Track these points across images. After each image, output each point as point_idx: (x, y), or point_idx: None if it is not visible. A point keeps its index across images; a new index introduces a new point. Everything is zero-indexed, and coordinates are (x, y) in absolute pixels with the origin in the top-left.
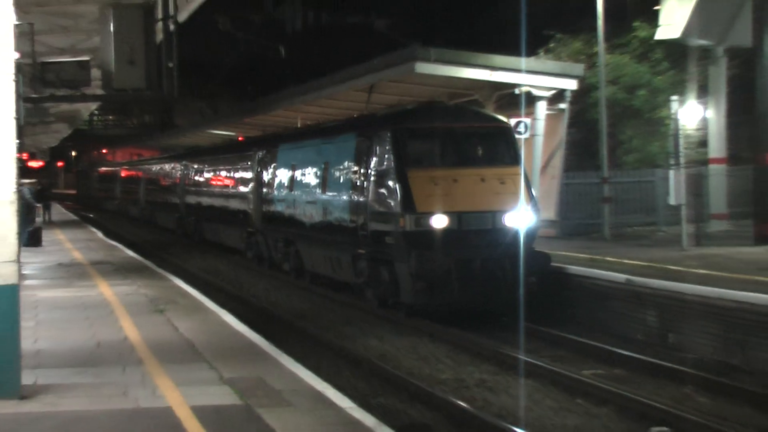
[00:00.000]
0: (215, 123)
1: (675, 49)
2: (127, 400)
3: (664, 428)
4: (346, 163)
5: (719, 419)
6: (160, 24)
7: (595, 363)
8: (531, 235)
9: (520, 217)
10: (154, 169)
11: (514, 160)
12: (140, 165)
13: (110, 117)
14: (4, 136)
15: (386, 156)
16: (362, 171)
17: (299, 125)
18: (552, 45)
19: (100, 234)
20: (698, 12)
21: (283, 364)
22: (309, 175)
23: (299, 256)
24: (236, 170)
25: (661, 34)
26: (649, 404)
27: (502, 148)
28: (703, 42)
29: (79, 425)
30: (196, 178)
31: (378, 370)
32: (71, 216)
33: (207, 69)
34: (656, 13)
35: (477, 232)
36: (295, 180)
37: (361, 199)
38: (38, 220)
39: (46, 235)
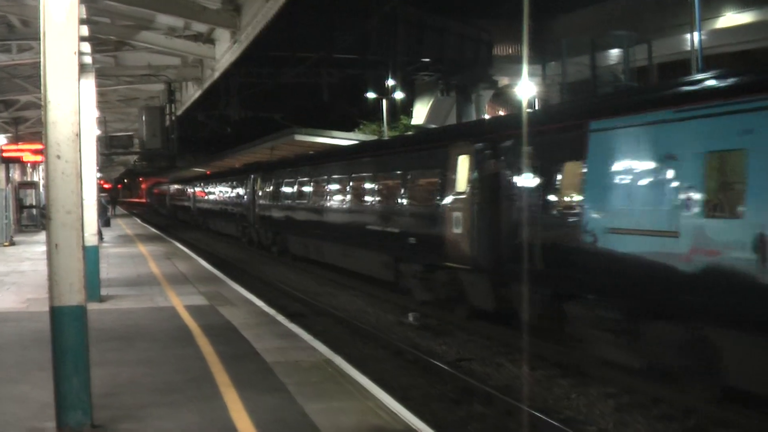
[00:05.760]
0: (195, 164)
1: (420, 128)
2: (153, 302)
3: (416, 313)
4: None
5: None
6: (167, 116)
7: None
8: None
9: None
10: (174, 188)
11: None
12: (167, 185)
13: (144, 162)
14: (91, 173)
15: None
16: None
17: (237, 165)
18: (361, 126)
19: (139, 221)
20: (432, 111)
21: (230, 284)
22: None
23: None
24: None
25: (414, 122)
26: None
27: None
28: (434, 125)
29: (130, 314)
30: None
31: (278, 286)
32: (125, 212)
33: (191, 138)
34: (411, 112)
35: None
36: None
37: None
38: (109, 213)
39: (113, 222)
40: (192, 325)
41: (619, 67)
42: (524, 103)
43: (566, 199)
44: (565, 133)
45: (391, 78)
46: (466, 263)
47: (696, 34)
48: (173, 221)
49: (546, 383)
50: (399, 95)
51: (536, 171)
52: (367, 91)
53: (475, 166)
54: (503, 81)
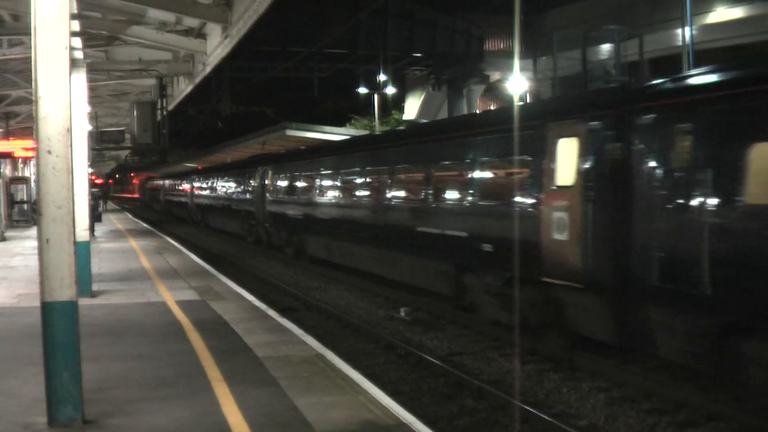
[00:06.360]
0: (187, 159)
1: (412, 123)
2: (144, 297)
3: (407, 308)
4: None
5: None
6: (159, 111)
7: None
8: None
9: None
10: (168, 183)
11: None
12: (161, 180)
13: (135, 158)
14: (83, 168)
15: None
16: None
17: (228, 160)
18: (353, 121)
19: (131, 216)
20: (424, 105)
21: (221, 278)
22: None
23: None
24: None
25: (406, 116)
26: None
27: None
28: (425, 120)
29: (122, 309)
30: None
31: (269, 281)
32: (117, 207)
33: (183, 132)
34: (403, 107)
35: None
36: None
37: None
38: (100, 209)
39: (104, 217)
40: (183, 320)
41: (611, 62)
42: (515, 98)
43: (755, 197)
44: (750, 102)
45: (382, 73)
46: (574, 279)
47: (687, 29)
48: (167, 217)
49: (537, 377)
50: (390, 90)
51: (698, 157)
52: (358, 86)
53: (589, 151)
54: (494, 76)
